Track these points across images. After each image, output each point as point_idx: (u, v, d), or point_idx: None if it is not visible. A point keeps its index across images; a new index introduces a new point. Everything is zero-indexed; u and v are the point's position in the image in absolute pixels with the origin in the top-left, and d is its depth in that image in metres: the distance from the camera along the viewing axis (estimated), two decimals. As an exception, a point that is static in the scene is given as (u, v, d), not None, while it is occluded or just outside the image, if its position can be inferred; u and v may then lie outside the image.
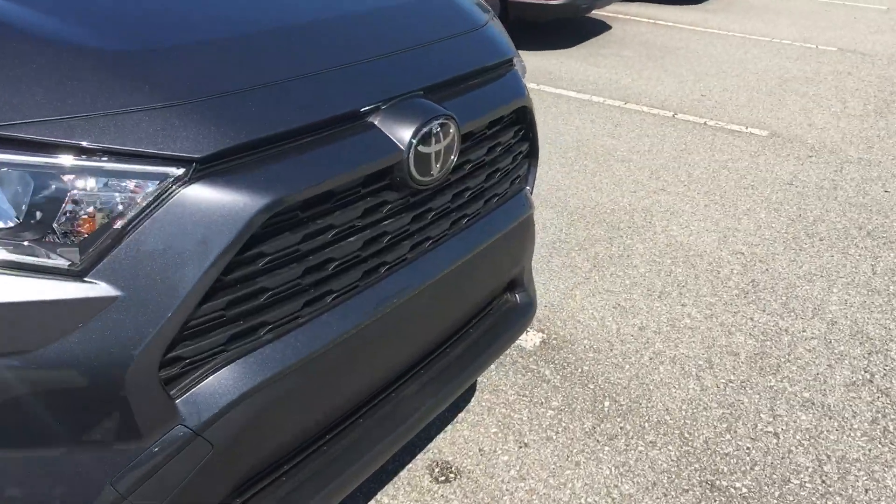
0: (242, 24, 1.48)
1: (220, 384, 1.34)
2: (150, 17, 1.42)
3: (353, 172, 1.45)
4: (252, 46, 1.43)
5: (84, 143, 1.18)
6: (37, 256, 1.16)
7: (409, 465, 2.34)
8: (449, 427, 2.50)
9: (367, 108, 1.52)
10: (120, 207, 1.20)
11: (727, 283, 3.45)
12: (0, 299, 1.13)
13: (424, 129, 1.56)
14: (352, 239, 1.53)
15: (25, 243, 1.15)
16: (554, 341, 2.98)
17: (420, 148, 1.56)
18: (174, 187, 1.23)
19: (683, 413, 2.62)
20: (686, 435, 2.52)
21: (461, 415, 2.55)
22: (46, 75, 1.20)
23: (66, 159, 1.17)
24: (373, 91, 1.55)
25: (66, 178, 1.18)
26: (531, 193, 2.21)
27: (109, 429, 1.25)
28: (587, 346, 2.96)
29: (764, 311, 3.24)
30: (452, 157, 1.67)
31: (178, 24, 1.42)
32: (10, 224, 1.15)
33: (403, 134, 1.54)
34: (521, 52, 7.19)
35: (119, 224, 1.20)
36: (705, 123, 5.53)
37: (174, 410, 1.29)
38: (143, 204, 1.21)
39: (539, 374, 2.78)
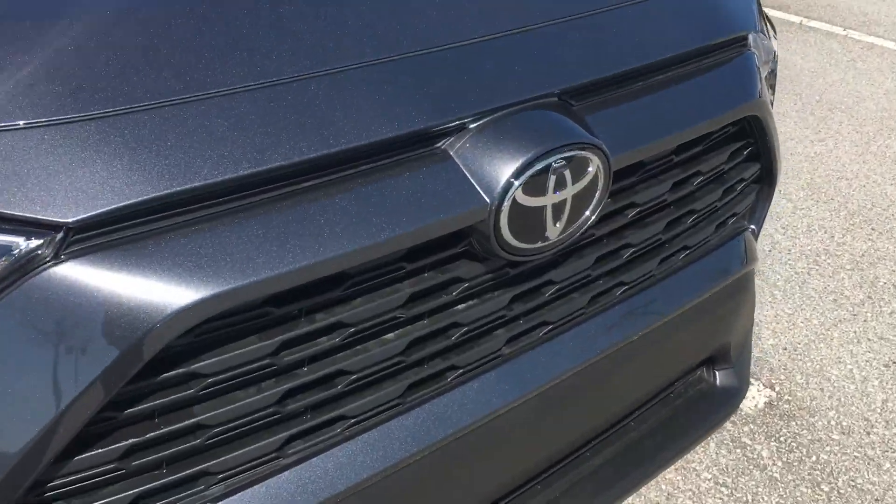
0: None
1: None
2: None
3: (381, 245, 0.85)
4: (220, 25, 0.86)
5: None
6: None
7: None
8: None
9: (439, 126, 0.91)
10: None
11: None
12: None
13: (535, 167, 0.93)
14: (389, 337, 0.95)
15: None
16: (785, 405, 2.20)
17: (522, 198, 0.93)
18: (25, 270, 0.72)
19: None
20: None
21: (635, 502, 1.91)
22: None
23: None
24: (456, 99, 0.93)
25: None
26: (758, 234, 1.47)
27: None
28: (832, 422, 2.15)
29: None
30: (592, 208, 1.01)
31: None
32: None
33: (495, 174, 0.92)
34: (832, -15, 5.90)
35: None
36: None
37: None
38: (-31, 295, 0.72)
39: (753, 455, 2.04)
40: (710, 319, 1.41)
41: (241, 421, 0.87)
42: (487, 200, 0.91)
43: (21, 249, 0.72)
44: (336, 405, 0.94)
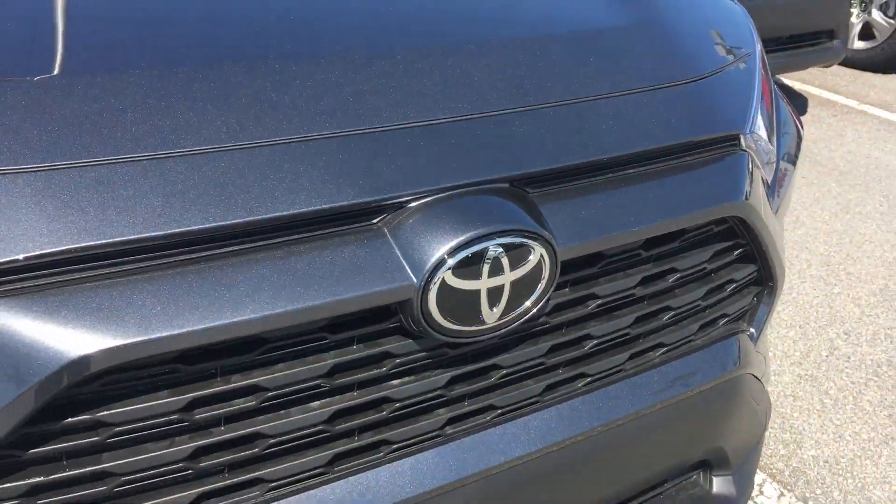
0: (157, 51, 0.97)
1: None
2: None
3: (300, 312, 0.88)
4: (160, 85, 0.92)
5: None
6: None
7: None
8: None
9: (373, 202, 0.94)
10: None
11: None
12: None
13: (467, 250, 0.94)
14: (311, 405, 0.96)
15: None
16: (817, 523, 2.07)
17: (453, 279, 0.94)
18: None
19: None
20: None
21: None
22: None
23: None
24: (398, 176, 0.96)
25: None
26: (756, 338, 1.42)
27: None
28: (865, 547, 2.01)
29: None
30: (534, 298, 1.01)
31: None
32: None
33: (426, 253, 0.93)
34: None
35: None
36: None
37: None
38: None
39: (770, 572, 1.92)
40: (696, 421, 1.36)
41: (150, 472, 0.90)
42: (414, 279, 0.93)
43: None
44: (254, 467, 0.96)
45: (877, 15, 5.75)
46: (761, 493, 2.15)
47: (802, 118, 4.25)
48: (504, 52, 1.13)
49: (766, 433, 1.80)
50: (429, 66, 1.05)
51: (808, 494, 2.16)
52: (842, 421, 2.43)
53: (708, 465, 1.50)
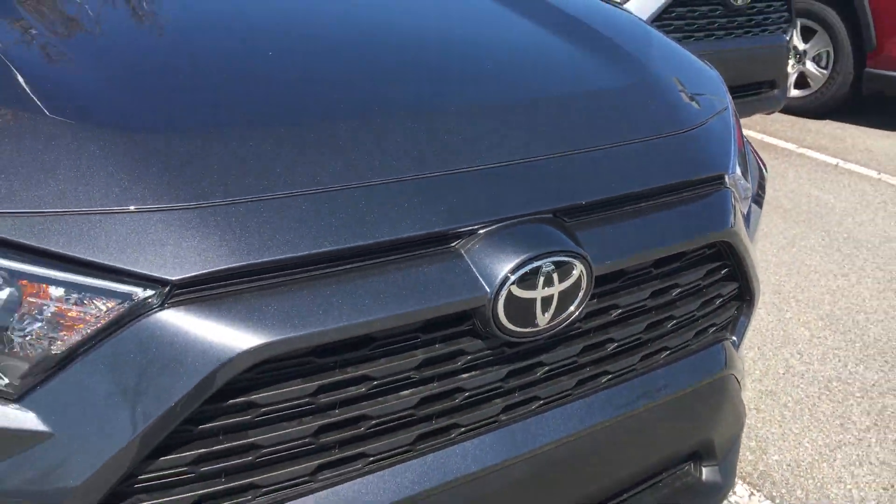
0: (285, 110, 1.23)
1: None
2: (166, 95, 1.21)
3: (401, 316, 1.12)
4: (293, 139, 1.16)
5: (42, 246, 0.99)
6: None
7: None
8: None
9: (455, 229, 1.19)
10: (71, 328, 1.00)
11: None
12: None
13: (527, 267, 1.19)
14: (403, 393, 1.19)
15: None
16: (784, 517, 2.34)
17: (517, 290, 1.19)
18: (139, 312, 1.00)
19: None
20: None
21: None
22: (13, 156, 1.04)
23: (19, 263, 0.99)
24: (472, 208, 1.21)
25: (18, 283, 1.00)
26: (738, 345, 1.68)
27: None
28: (827, 536, 2.28)
29: None
30: (576, 305, 1.26)
31: (193, 105, 1.20)
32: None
33: (495, 269, 1.18)
34: (872, 131, 6.16)
35: (66, 347, 1.00)
36: None
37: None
38: (99, 327, 1.00)
39: (747, 559, 2.18)
40: (690, 415, 1.62)
41: (285, 446, 1.12)
42: (488, 290, 1.17)
43: (139, 297, 1.01)
44: (359, 444, 1.18)
45: (811, 66, 6.25)
46: (734, 493, 2.41)
47: (749, 160, 4.63)
48: (539, 108, 1.40)
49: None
50: (488, 121, 1.31)
51: (774, 493, 2.43)
52: (800, 429, 2.72)
53: (698, 456, 1.75)
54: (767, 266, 3.85)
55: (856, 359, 3.16)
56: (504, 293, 1.18)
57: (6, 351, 1.00)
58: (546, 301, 1.23)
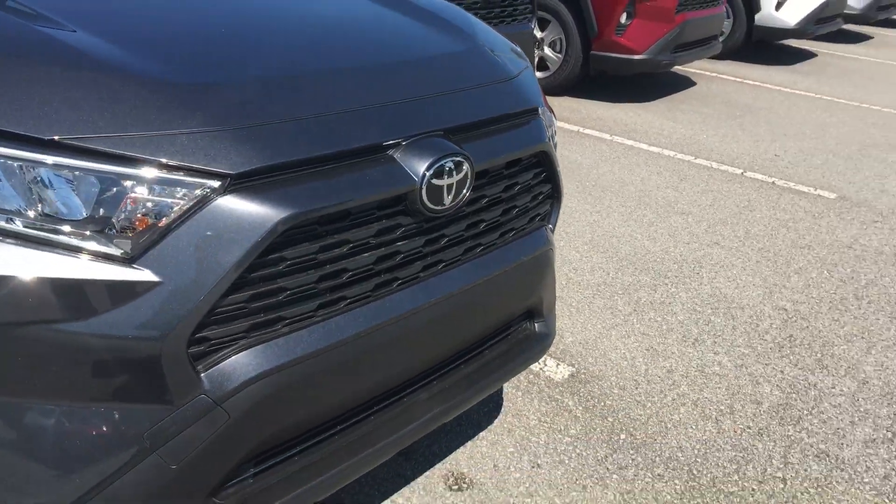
0: (288, 64, 1.77)
1: (239, 365, 1.59)
2: (208, 52, 1.71)
3: (368, 197, 1.70)
4: (292, 84, 1.71)
5: (142, 156, 1.47)
6: (98, 244, 1.45)
7: (427, 473, 2.54)
8: (469, 442, 2.70)
9: (389, 142, 1.78)
10: (166, 210, 1.48)
11: (764, 336, 3.54)
12: (66, 276, 1.42)
13: (438, 165, 1.81)
14: (366, 254, 1.77)
15: (88, 233, 1.44)
16: (582, 375, 3.15)
17: (433, 181, 1.80)
18: (211, 196, 1.51)
19: (696, 452, 2.75)
20: (694, 472, 2.65)
21: (482, 433, 2.75)
22: (116, 100, 1.50)
23: (127, 168, 1.46)
24: (396, 128, 1.81)
25: (126, 183, 1.46)
26: (552, 231, 2.41)
27: (145, 392, 1.52)
28: (613, 383, 3.12)
29: (796, 365, 3.32)
30: (465, 191, 1.90)
31: (231, 60, 1.71)
32: (80, 217, 1.45)
33: (418, 167, 1.79)
34: (601, 103, 7.40)
35: (164, 223, 1.48)
36: (773, 183, 5.60)
37: (199, 382, 1.55)
38: (185, 208, 1.49)
39: (562, 404, 2.95)
40: (529, 277, 2.31)
41: (299, 289, 1.65)
42: (416, 180, 1.78)
43: (207, 187, 1.51)
44: (342, 290, 1.74)
45: (548, 51, 7.35)
46: (545, 365, 3.19)
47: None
48: (422, 64, 2.02)
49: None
50: (396, 75, 1.91)
51: (573, 363, 3.24)
52: (584, 320, 3.57)
53: (531, 315, 2.47)
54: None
55: (614, 269, 4.09)
56: (426, 182, 1.79)
57: (120, 230, 1.46)
58: (449, 188, 1.86)
